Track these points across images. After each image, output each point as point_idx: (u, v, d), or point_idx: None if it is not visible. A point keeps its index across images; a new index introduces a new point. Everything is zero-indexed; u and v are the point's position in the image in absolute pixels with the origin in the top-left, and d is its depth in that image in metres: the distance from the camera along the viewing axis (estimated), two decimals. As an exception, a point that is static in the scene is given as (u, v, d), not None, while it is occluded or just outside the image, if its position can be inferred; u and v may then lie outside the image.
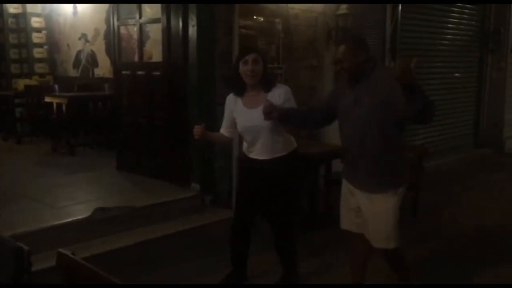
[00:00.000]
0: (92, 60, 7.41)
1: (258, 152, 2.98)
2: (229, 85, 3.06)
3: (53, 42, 8.03)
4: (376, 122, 2.42)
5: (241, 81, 2.92)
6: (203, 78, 4.33)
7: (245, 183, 3.19)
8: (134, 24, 4.92)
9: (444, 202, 5.20)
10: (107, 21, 6.67)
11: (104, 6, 6.79)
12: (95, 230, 3.64)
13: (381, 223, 2.53)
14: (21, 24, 7.79)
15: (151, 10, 4.92)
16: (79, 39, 7.53)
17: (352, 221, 2.72)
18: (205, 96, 4.34)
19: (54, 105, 6.20)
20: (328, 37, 5.53)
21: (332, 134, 3.16)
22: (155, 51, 5.17)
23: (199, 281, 3.26)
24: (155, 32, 5.03)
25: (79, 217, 3.71)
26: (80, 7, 7.40)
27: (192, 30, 4.28)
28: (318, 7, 5.41)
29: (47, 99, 6.30)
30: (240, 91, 2.99)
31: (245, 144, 3.08)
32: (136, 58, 5.06)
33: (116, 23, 5.05)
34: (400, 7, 6.10)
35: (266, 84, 2.94)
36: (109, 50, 6.74)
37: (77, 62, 7.69)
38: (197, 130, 2.96)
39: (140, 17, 4.77)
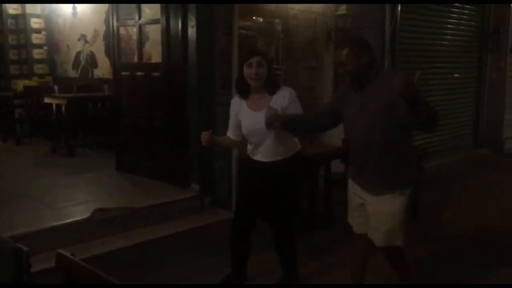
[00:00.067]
0: (92, 61, 7.41)
1: (263, 155, 2.99)
2: (236, 87, 3.06)
3: (52, 43, 8.03)
4: (382, 127, 2.42)
5: (246, 83, 2.93)
6: (203, 79, 4.33)
7: (245, 183, 3.19)
8: (133, 25, 4.92)
9: (444, 202, 5.20)
10: (107, 22, 6.67)
11: (104, 7, 6.79)
12: (95, 231, 3.64)
13: (387, 223, 2.54)
14: (21, 25, 7.79)
15: (150, 11, 4.92)
16: (79, 40, 7.53)
17: (354, 221, 2.74)
18: (205, 96, 4.35)
19: (54, 106, 6.20)
20: (327, 38, 5.53)
21: (332, 135, 3.16)
22: (154, 52, 5.17)
23: (198, 282, 3.26)
24: (154, 32, 5.04)
25: (79, 218, 3.71)
26: (80, 8, 7.40)
27: (192, 31, 4.28)
28: (317, 7, 5.41)
29: (47, 100, 6.30)
30: (244, 93, 2.99)
31: (249, 146, 3.08)
32: (135, 59, 5.06)
33: (115, 24, 5.05)
34: (399, 8, 6.11)
35: (271, 86, 2.94)
36: (108, 51, 6.73)
37: (76, 63, 7.69)
38: (204, 136, 2.95)
39: (140, 18, 4.77)
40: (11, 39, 7.74)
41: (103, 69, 7.18)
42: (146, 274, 3.34)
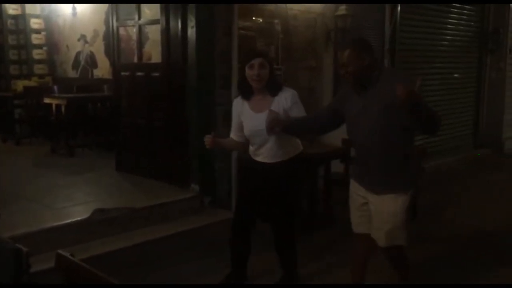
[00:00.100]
0: (91, 61, 7.40)
1: (264, 156, 2.99)
2: (239, 88, 3.06)
3: (52, 43, 8.03)
4: (384, 128, 2.42)
5: (248, 85, 2.93)
6: (202, 79, 4.33)
7: (246, 184, 3.19)
8: (133, 25, 4.92)
9: (444, 202, 5.20)
10: (106, 22, 6.67)
11: (103, 7, 6.79)
12: (94, 231, 3.63)
13: (389, 223, 2.54)
14: (20, 25, 7.79)
15: (150, 11, 4.92)
16: (78, 40, 7.53)
17: (355, 220, 2.74)
18: (204, 96, 4.34)
19: (53, 106, 6.19)
20: (327, 38, 5.53)
21: (332, 135, 3.15)
22: (154, 52, 5.17)
23: (198, 282, 3.26)
24: (154, 33, 5.04)
25: (78, 218, 3.71)
26: (79, 8, 7.40)
27: (191, 31, 4.28)
28: (317, 8, 5.41)
29: (46, 100, 6.29)
30: (247, 94, 2.99)
31: (251, 147, 3.08)
32: (135, 59, 5.06)
33: (115, 24, 5.05)
34: (399, 8, 6.11)
35: (273, 88, 2.94)
36: (108, 51, 6.73)
37: (76, 63, 7.68)
38: (208, 139, 2.95)
39: (139, 18, 4.77)
40: (11, 40, 7.74)
41: (103, 69, 7.18)
42: (145, 274, 3.34)
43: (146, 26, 4.97)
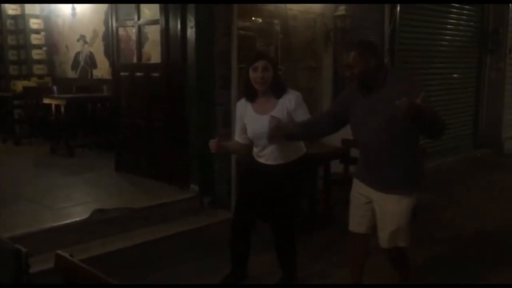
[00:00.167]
0: (91, 62, 7.40)
1: (268, 158, 2.99)
2: (244, 91, 3.06)
3: (51, 44, 8.02)
4: (390, 129, 2.42)
5: (252, 87, 2.93)
6: (202, 79, 4.33)
7: (247, 184, 3.18)
8: (132, 26, 4.91)
9: (444, 202, 5.19)
10: (106, 22, 6.66)
11: (103, 8, 6.78)
12: (94, 231, 3.63)
13: (393, 223, 2.55)
14: (20, 25, 7.78)
15: (149, 12, 4.92)
16: (78, 40, 7.52)
17: (356, 220, 2.73)
18: (204, 97, 4.34)
19: (53, 106, 6.19)
20: (326, 38, 5.53)
21: (331, 135, 3.15)
22: (153, 53, 5.17)
23: (198, 282, 3.25)
24: (153, 33, 5.04)
25: (78, 218, 3.70)
26: (79, 8, 7.39)
27: (191, 31, 4.28)
28: (316, 8, 5.41)
29: (46, 101, 6.29)
30: (251, 97, 2.99)
31: (255, 149, 3.08)
32: (134, 60, 5.06)
33: (114, 25, 5.05)
34: (398, 8, 6.11)
35: (277, 90, 2.94)
36: (107, 52, 6.73)
37: (75, 64, 7.68)
38: (213, 144, 2.94)
39: (139, 18, 4.77)
40: (10, 40, 7.73)
41: (102, 69, 7.17)
42: (145, 274, 3.34)
43: (146, 26, 4.96)
